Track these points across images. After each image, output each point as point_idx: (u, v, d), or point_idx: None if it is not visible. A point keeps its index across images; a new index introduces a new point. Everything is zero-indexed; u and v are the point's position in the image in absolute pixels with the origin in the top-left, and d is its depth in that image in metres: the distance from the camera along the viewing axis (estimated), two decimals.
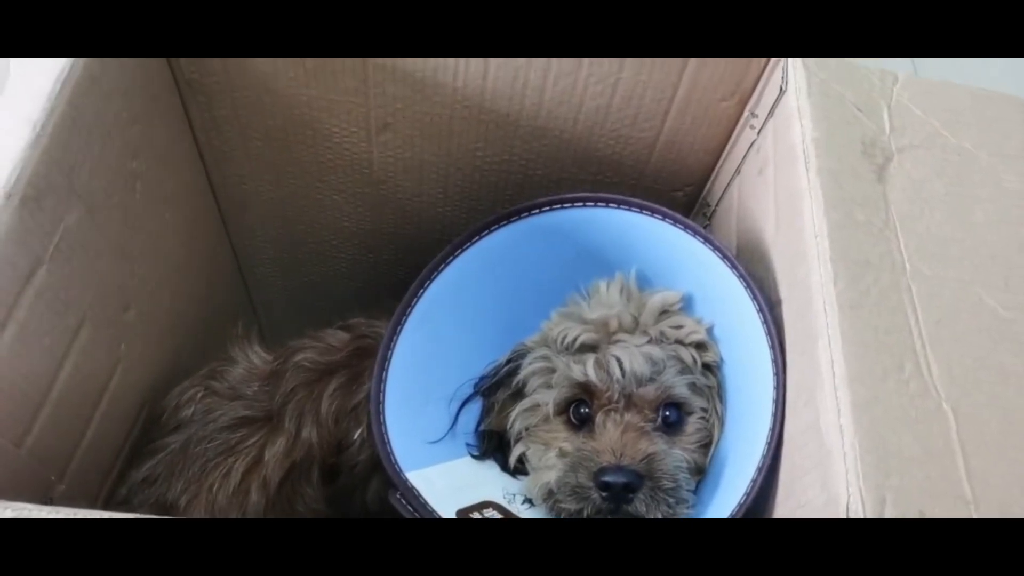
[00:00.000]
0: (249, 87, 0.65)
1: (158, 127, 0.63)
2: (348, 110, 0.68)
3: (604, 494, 0.55)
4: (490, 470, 0.66)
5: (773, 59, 0.61)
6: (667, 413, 0.59)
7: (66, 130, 0.50)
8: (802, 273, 0.51)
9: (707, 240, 0.58)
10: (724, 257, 0.57)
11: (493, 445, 0.66)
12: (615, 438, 0.57)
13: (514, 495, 0.63)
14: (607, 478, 0.54)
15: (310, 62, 0.63)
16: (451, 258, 0.65)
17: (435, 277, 0.65)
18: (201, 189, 0.75)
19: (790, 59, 0.59)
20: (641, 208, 0.60)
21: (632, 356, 0.58)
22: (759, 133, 0.63)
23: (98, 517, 0.37)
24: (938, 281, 0.50)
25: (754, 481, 0.50)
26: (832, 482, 0.43)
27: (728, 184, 0.69)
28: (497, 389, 0.66)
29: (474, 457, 0.66)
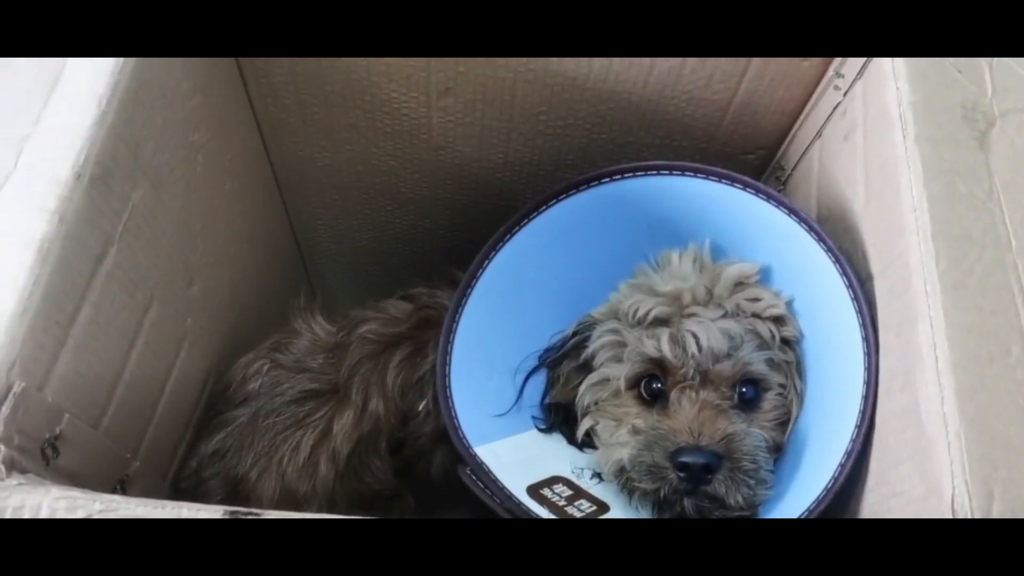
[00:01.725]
0: None
1: (217, 96, 0.62)
2: (408, 75, 0.65)
3: (682, 474, 0.53)
4: (556, 443, 0.65)
5: None
6: (744, 390, 0.57)
7: (130, 104, 0.49)
8: (899, 249, 0.48)
9: (792, 211, 0.55)
10: (810, 229, 0.54)
11: (560, 418, 0.65)
12: (692, 416, 0.55)
13: (582, 469, 0.62)
14: (685, 458, 0.53)
15: None
16: (517, 228, 0.63)
17: (501, 248, 0.63)
18: (258, 157, 0.74)
19: None
20: (720, 177, 0.58)
21: (709, 331, 0.56)
22: (845, 95, 0.59)
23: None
24: None
25: (843, 465, 0.49)
26: (933, 473, 0.41)
27: (807, 148, 0.65)
28: (563, 361, 0.64)
29: (540, 430, 0.65)
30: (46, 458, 0.42)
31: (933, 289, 0.45)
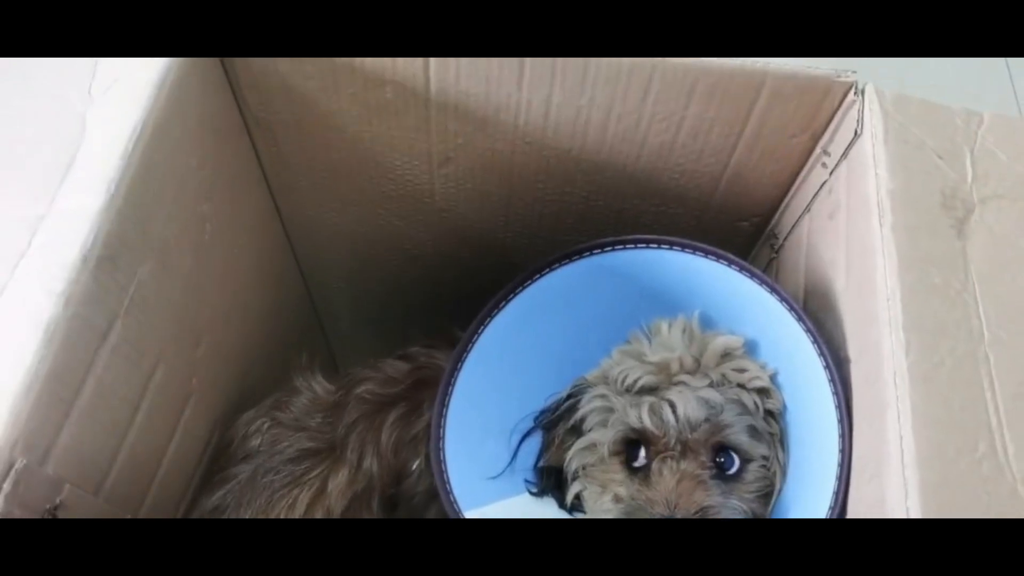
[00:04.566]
0: (315, 124, 0.66)
1: (228, 167, 0.65)
2: (410, 146, 0.68)
3: None
4: (547, 507, 0.66)
5: (848, 96, 0.59)
6: (723, 459, 0.58)
7: (140, 186, 0.51)
8: (873, 337, 0.49)
9: (773, 289, 0.56)
10: (791, 308, 0.55)
11: (552, 482, 0.66)
12: (670, 488, 0.56)
13: None
14: None
15: (373, 100, 0.63)
16: (512, 295, 0.64)
17: (496, 314, 0.65)
18: (269, 218, 0.77)
19: (866, 98, 0.57)
20: (706, 253, 0.59)
21: (686, 401, 0.58)
22: (831, 173, 0.61)
23: None
24: (1019, 349, 0.48)
25: None
26: None
27: (797, 220, 0.67)
28: (557, 423, 0.66)
29: (532, 494, 0.66)
30: None
31: (902, 380, 0.46)
